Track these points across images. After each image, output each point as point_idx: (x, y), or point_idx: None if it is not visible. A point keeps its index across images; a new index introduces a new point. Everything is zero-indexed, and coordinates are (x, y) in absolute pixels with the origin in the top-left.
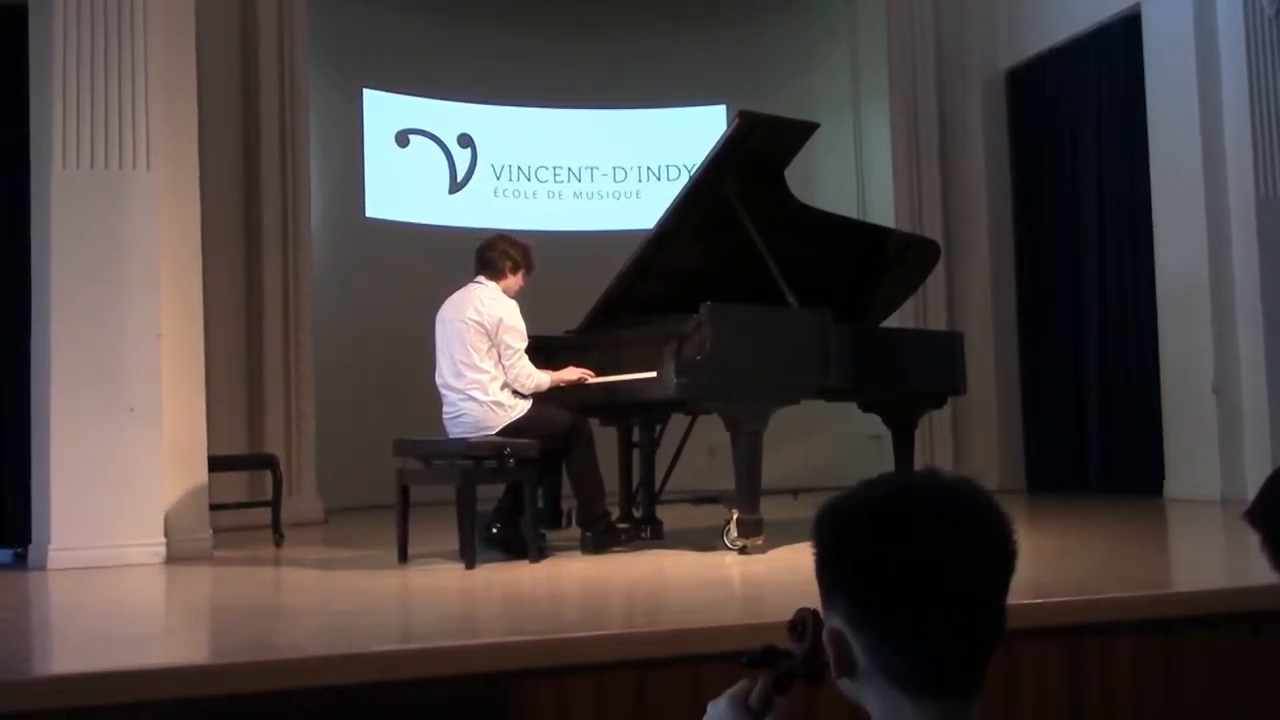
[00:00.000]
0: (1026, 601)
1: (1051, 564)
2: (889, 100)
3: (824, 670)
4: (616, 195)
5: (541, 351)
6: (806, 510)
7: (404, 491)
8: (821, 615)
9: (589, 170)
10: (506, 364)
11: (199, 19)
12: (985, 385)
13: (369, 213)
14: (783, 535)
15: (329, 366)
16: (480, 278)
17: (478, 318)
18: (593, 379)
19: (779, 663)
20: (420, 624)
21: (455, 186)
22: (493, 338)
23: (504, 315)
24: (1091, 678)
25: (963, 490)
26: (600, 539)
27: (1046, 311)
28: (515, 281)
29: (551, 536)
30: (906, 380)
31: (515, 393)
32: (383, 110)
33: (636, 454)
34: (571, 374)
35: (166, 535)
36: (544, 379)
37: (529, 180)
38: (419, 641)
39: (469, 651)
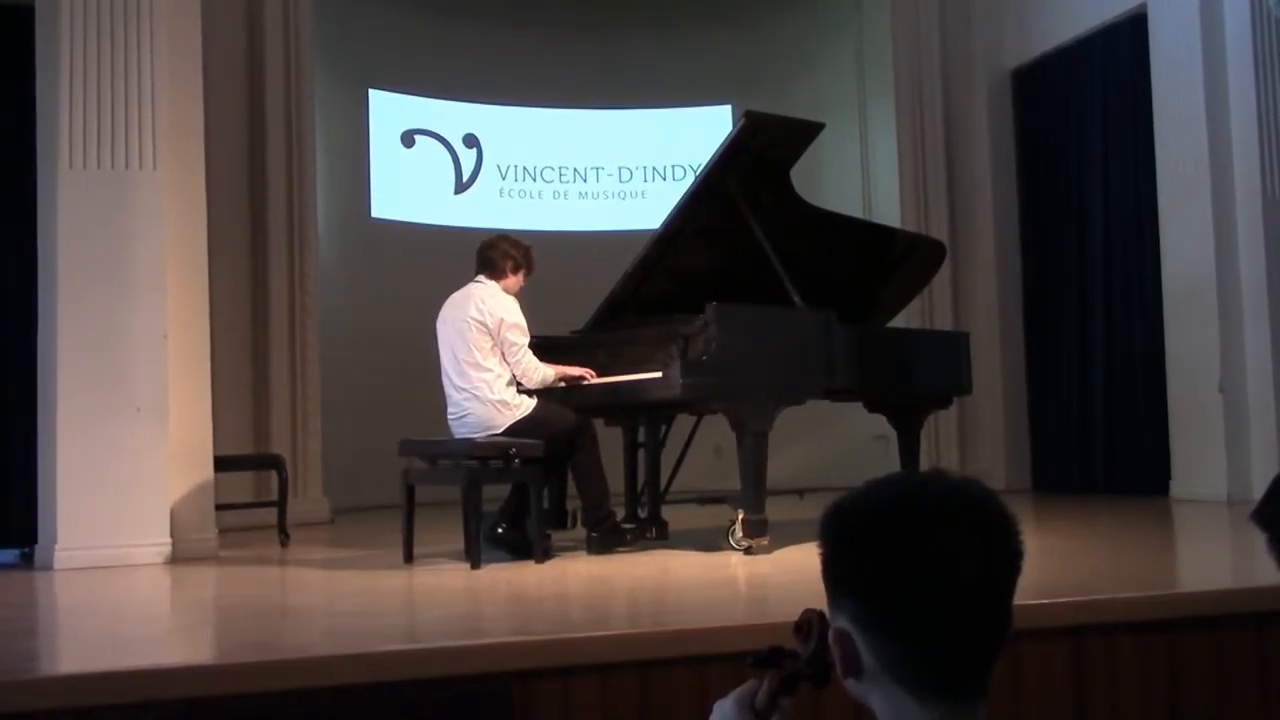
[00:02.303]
0: (1032, 602)
1: (1057, 564)
2: (894, 100)
3: (830, 671)
4: (622, 195)
5: (547, 351)
6: (812, 510)
7: (409, 491)
8: (827, 616)
9: (594, 170)
10: (512, 360)
11: (205, 19)
12: (991, 385)
13: (375, 213)
14: (788, 535)
15: (335, 366)
16: (480, 277)
17: (479, 316)
18: (593, 378)
19: (785, 663)
20: (425, 624)
21: (461, 187)
22: (495, 337)
23: (505, 314)
24: (1096, 678)
25: (969, 490)
26: (605, 539)
27: (1052, 311)
28: (515, 281)
29: (556, 537)
30: (912, 380)
31: (520, 391)
32: (388, 110)
33: (642, 454)
34: (575, 370)
35: (172, 535)
36: (549, 372)
37: (534, 180)
38: (424, 641)
39: (474, 651)
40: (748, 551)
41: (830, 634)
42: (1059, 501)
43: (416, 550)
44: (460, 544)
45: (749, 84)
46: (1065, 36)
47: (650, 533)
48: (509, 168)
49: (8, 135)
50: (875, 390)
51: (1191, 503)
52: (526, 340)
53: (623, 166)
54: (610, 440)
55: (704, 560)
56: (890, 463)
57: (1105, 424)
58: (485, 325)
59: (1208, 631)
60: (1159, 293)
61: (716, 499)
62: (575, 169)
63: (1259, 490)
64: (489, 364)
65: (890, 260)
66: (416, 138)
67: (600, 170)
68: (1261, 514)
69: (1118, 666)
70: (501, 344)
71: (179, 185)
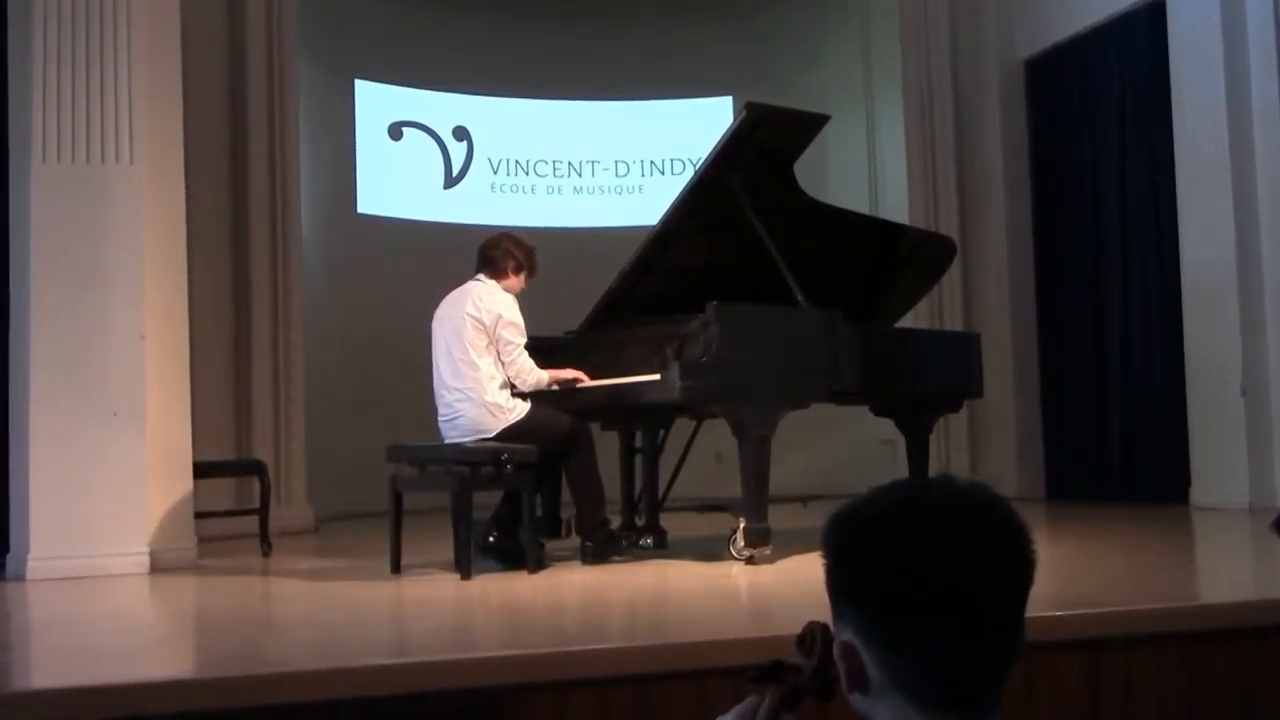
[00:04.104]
0: (1045, 614)
1: (1071, 574)
2: (902, 92)
3: (834, 685)
4: (619, 190)
5: (541, 352)
6: (816, 518)
7: (397, 499)
8: (831, 628)
9: (590, 164)
10: (506, 360)
11: (184, 7)
12: (1003, 387)
13: (361, 208)
14: (792, 544)
15: (319, 369)
16: (480, 275)
17: (475, 313)
18: (587, 382)
19: (787, 678)
20: (414, 636)
21: (450, 181)
22: (491, 334)
23: (502, 311)
24: (1112, 694)
25: (978, 497)
26: (601, 548)
27: (1067, 310)
28: (516, 282)
29: (550, 546)
30: (921, 382)
31: (514, 394)
32: (375, 102)
33: (639, 460)
34: (569, 373)
35: (150, 544)
36: (543, 375)
37: (527, 175)
38: (412, 655)
39: (464, 665)
40: (749, 561)
41: (835, 647)
42: (1073, 509)
43: (404, 560)
44: (450, 553)
45: (751, 75)
46: (1080, 25)
47: (648, 542)
48: (501, 161)
49: None
50: (882, 393)
51: (1212, 511)
52: (523, 340)
53: (619, 160)
54: (607, 445)
55: (704, 570)
56: (898, 468)
57: (1122, 428)
58: (481, 322)
59: (1228, 645)
60: (1178, 290)
61: (717, 506)
62: (570, 163)
63: None
64: (483, 363)
65: (898, 258)
66: (404, 130)
67: (596, 164)
68: None
69: (1134, 681)
70: (496, 341)
71: (157, 180)
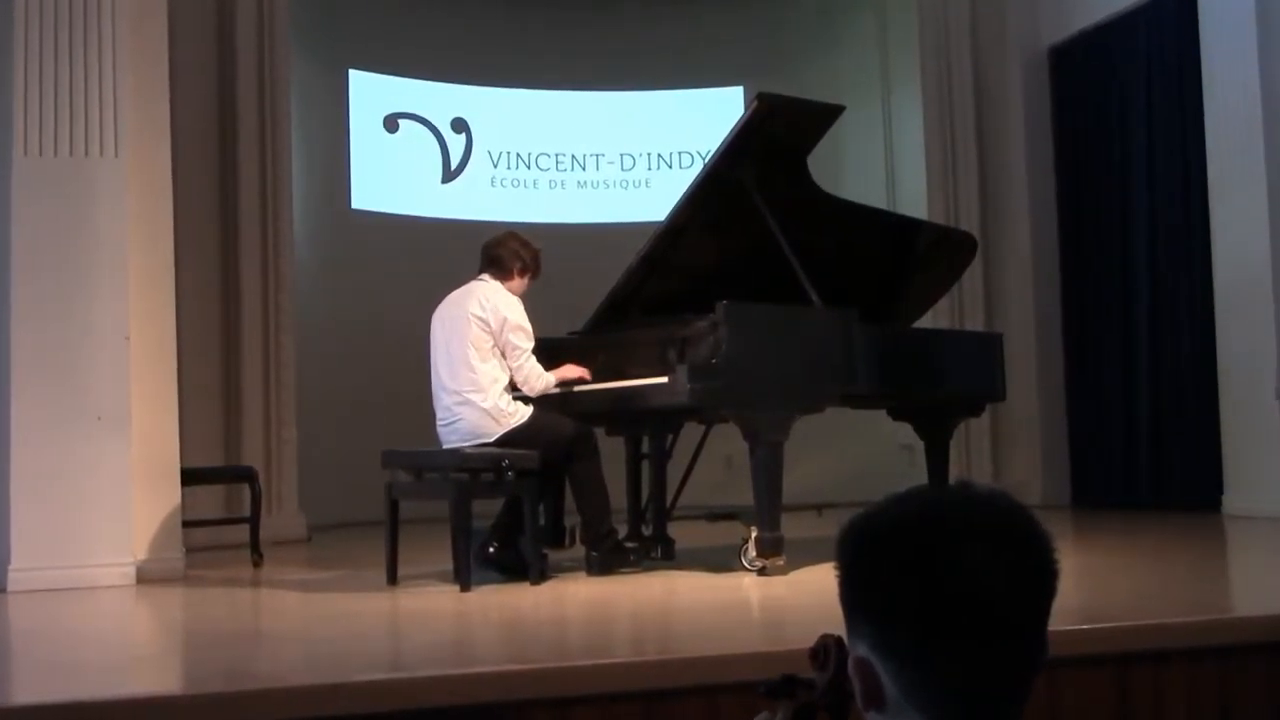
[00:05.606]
0: (1071, 627)
1: (1099, 585)
2: (921, 81)
3: (848, 701)
4: (624, 184)
5: (544, 353)
6: (831, 527)
7: (393, 507)
8: (846, 642)
9: (594, 157)
10: (514, 364)
11: None
12: (1027, 390)
13: (355, 204)
14: (806, 555)
15: (312, 371)
16: (485, 275)
17: (481, 314)
18: (590, 383)
19: (800, 693)
20: (411, 651)
21: (449, 175)
22: (497, 337)
23: (510, 313)
24: (1142, 710)
25: (998, 505)
26: (607, 559)
27: (1093, 310)
28: (521, 284)
29: (553, 556)
30: (941, 385)
31: (516, 398)
32: (370, 93)
33: (646, 466)
34: (572, 372)
35: (136, 555)
36: (551, 379)
37: (529, 168)
38: (410, 670)
39: (464, 681)
40: (761, 572)
41: (849, 662)
42: (1100, 517)
43: (401, 571)
44: (448, 564)
45: (763, 64)
46: (1107, 11)
47: (655, 552)
48: (501, 154)
49: None
50: (900, 396)
51: (1245, 519)
52: (531, 345)
53: (625, 153)
54: (612, 451)
55: (714, 581)
56: (917, 475)
57: (1151, 432)
58: (487, 323)
59: (1264, 659)
60: (1210, 289)
61: (727, 515)
62: (573, 156)
63: None
64: (486, 365)
65: (917, 255)
66: (400, 122)
67: (600, 157)
68: None
69: (1165, 698)
70: (503, 345)
71: (143, 174)
